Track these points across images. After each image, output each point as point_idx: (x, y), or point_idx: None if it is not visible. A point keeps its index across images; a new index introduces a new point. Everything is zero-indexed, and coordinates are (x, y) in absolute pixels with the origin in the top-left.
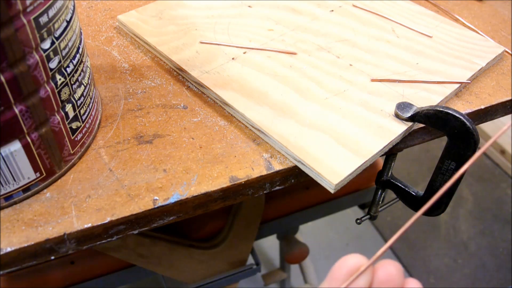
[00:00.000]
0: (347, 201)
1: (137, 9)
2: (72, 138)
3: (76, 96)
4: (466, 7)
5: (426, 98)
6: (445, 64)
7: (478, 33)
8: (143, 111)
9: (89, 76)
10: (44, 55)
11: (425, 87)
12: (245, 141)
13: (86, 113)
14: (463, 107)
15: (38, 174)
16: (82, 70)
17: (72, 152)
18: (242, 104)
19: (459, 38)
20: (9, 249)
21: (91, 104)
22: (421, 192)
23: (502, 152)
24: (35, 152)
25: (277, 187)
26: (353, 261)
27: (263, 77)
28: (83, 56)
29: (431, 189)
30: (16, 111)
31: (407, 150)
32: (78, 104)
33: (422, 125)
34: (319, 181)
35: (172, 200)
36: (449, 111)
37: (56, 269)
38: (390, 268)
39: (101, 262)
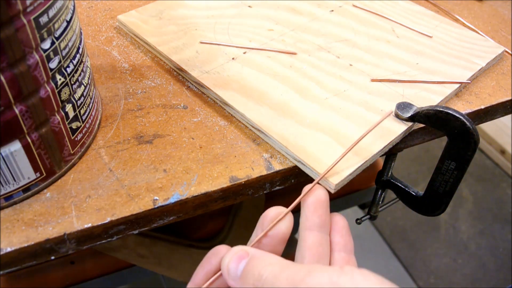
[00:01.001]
0: (347, 201)
1: (137, 9)
2: (72, 138)
3: (76, 96)
4: (466, 7)
5: (426, 98)
6: (445, 64)
7: (478, 33)
8: (143, 111)
9: (89, 76)
10: (44, 55)
11: (425, 87)
12: (245, 141)
13: (86, 113)
14: (463, 107)
15: (38, 174)
16: (82, 70)
17: (72, 152)
18: (242, 104)
19: (459, 38)
20: (9, 249)
21: (91, 104)
22: (421, 192)
23: (502, 152)
24: (35, 152)
25: (277, 187)
26: (274, 211)
27: (263, 77)
28: (83, 56)
29: (431, 189)
30: (16, 111)
31: (407, 150)
32: (78, 104)
33: (422, 125)
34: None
35: (172, 200)
36: (449, 111)
37: (56, 269)
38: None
39: (101, 262)
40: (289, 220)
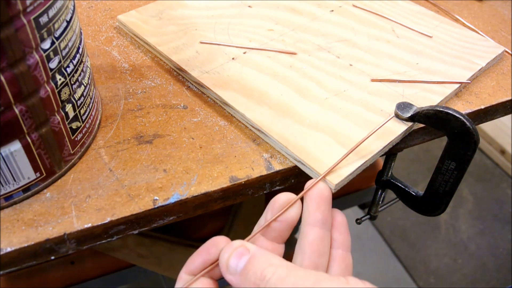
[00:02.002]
0: (347, 201)
1: (137, 9)
2: (72, 138)
3: (76, 96)
4: (466, 7)
5: (426, 98)
6: (445, 64)
7: (478, 33)
8: (143, 111)
9: (89, 76)
10: (44, 55)
11: (425, 87)
12: (245, 141)
13: (86, 113)
14: (463, 107)
15: (38, 174)
16: (82, 70)
17: (72, 152)
18: (242, 104)
19: (459, 38)
20: (9, 249)
21: (91, 104)
22: (421, 192)
23: (502, 152)
24: (35, 152)
25: (277, 187)
26: (285, 197)
27: (263, 77)
28: (83, 56)
29: (431, 189)
30: (16, 111)
31: (407, 150)
32: (78, 104)
33: (422, 125)
34: None
35: (172, 200)
36: (449, 111)
37: (56, 269)
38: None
39: (101, 262)
40: (298, 207)
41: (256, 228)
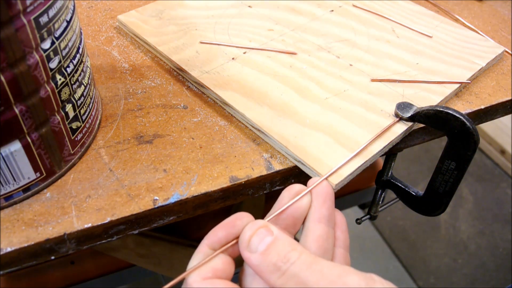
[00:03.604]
0: (347, 201)
1: (137, 9)
2: (72, 138)
3: (76, 96)
4: (466, 7)
5: (426, 98)
6: (445, 64)
7: (478, 33)
8: (143, 111)
9: (89, 76)
10: (44, 55)
11: (425, 87)
12: (245, 141)
13: (86, 113)
14: (463, 107)
15: (38, 174)
16: (82, 70)
17: (72, 152)
18: (242, 104)
19: (459, 38)
20: (9, 249)
21: (91, 104)
22: (421, 192)
23: (502, 152)
24: (35, 152)
25: (277, 187)
26: (299, 187)
27: (263, 77)
28: (83, 56)
29: (431, 189)
30: (16, 111)
31: (407, 150)
32: (78, 104)
33: (422, 125)
34: None
35: (172, 200)
36: (449, 111)
37: (56, 269)
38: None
39: (101, 262)
40: (310, 198)
41: (272, 213)
